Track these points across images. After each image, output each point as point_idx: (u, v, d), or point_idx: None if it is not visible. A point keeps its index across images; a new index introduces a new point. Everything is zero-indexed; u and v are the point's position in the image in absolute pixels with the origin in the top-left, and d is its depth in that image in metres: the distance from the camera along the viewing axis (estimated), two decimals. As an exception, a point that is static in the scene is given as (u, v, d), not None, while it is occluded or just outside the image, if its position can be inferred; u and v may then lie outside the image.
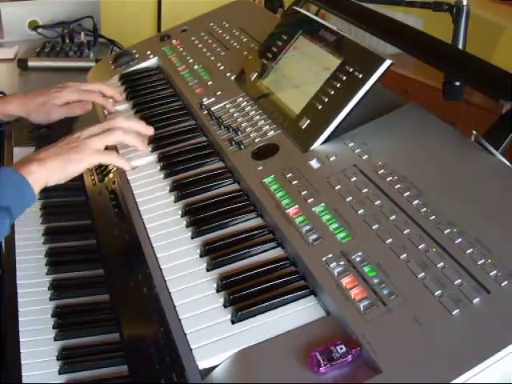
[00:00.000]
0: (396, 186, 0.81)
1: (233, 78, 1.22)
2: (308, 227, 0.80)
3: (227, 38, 1.39)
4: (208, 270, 0.82)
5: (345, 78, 0.95)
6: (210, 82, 1.24)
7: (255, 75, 1.15)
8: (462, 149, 0.86)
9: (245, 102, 1.12)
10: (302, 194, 0.86)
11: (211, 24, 1.48)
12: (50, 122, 1.28)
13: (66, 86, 1.28)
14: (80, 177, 1.21)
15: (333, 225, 0.79)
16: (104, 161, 1.00)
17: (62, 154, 0.95)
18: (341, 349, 0.64)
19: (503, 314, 0.63)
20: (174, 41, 1.48)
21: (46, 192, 1.19)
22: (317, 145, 0.94)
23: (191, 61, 1.35)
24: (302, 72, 1.06)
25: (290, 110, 1.02)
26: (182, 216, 0.93)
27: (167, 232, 0.90)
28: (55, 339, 0.90)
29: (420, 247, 0.72)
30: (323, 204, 0.83)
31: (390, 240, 0.74)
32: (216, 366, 0.69)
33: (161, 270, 0.84)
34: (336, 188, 0.85)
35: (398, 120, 0.95)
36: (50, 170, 0.93)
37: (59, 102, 1.25)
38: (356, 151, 0.90)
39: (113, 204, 1.05)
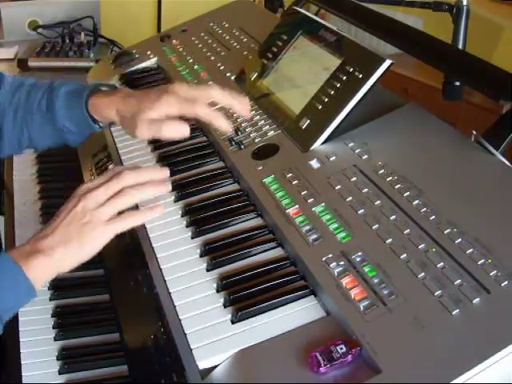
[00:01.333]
0: (396, 186, 0.81)
1: (233, 78, 1.22)
2: (308, 227, 0.80)
3: (227, 37, 1.39)
4: (208, 270, 0.82)
5: (345, 77, 0.95)
6: (210, 82, 1.24)
7: (255, 75, 1.15)
8: (462, 149, 0.86)
9: (245, 102, 1.12)
10: (302, 193, 0.86)
11: (211, 24, 1.48)
12: (136, 138, 0.99)
13: (167, 91, 0.93)
14: (80, 177, 1.21)
15: (333, 225, 0.79)
16: (124, 229, 0.83)
17: (72, 238, 0.79)
18: (341, 349, 0.64)
19: (503, 314, 0.63)
20: (174, 41, 1.48)
21: (46, 192, 1.20)
22: (317, 145, 0.94)
23: (191, 61, 1.35)
24: (302, 72, 1.06)
25: (290, 110, 1.02)
26: (182, 216, 0.93)
27: (167, 232, 0.90)
28: (55, 339, 0.90)
29: (420, 247, 0.72)
30: (323, 204, 0.83)
31: (390, 240, 0.74)
32: (216, 366, 0.69)
33: (161, 270, 0.84)
34: (336, 188, 0.85)
35: (398, 120, 0.95)
36: (60, 261, 0.79)
37: (154, 116, 0.91)
38: (356, 151, 0.90)
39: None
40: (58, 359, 0.87)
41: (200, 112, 0.92)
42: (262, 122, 1.05)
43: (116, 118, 0.98)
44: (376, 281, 0.70)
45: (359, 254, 0.74)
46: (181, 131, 0.92)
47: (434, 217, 0.75)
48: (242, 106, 0.97)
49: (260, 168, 0.94)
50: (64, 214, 0.82)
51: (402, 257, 0.72)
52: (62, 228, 0.80)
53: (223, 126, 0.94)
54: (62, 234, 0.79)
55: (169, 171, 0.88)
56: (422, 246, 0.72)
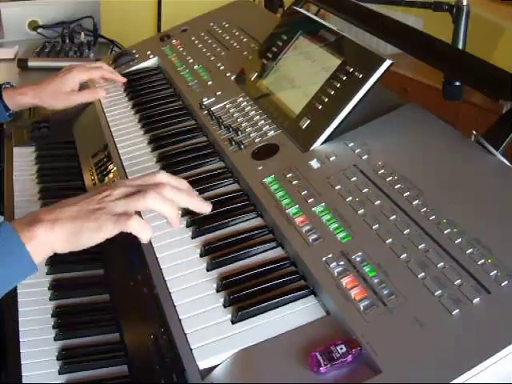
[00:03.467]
0: (396, 186, 0.81)
1: (233, 78, 1.22)
2: (308, 227, 0.80)
3: (227, 37, 1.39)
4: (208, 270, 0.82)
5: (345, 77, 0.95)
6: (209, 82, 1.24)
7: (255, 75, 1.15)
8: (462, 149, 0.86)
9: (245, 102, 1.12)
10: (302, 194, 0.86)
11: (211, 24, 1.48)
12: (68, 107, 1.31)
13: (72, 67, 1.30)
14: (80, 177, 1.21)
15: (333, 225, 0.79)
16: (121, 229, 0.77)
17: (77, 219, 0.76)
18: (341, 349, 0.64)
19: (503, 314, 0.63)
20: (173, 41, 1.48)
21: (46, 192, 1.20)
22: (317, 145, 0.94)
23: (191, 61, 1.35)
24: (302, 72, 1.06)
25: (290, 110, 1.02)
26: (182, 216, 0.93)
27: (167, 232, 0.90)
28: (55, 339, 0.90)
29: (420, 247, 0.72)
30: (323, 204, 0.83)
31: (389, 240, 0.74)
32: (216, 366, 0.69)
33: (161, 269, 0.83)
34: (336, 188, 0.85)
35: (398, 120, 0.95)
36: (58, 236, 0.75)
37: (72, 85, 1.28)
38: (356, 151, 0.90)
39: (113, 204, 1.04)
40: (58, 359, 0.87)
41: (106, 75, 1.36)
42: (262, 121, 1.05)
43: (34, 101, 1.29)
44: (376, 281, 0.70)
45: (359, 254, 0.74)
46: (100, 95, 1.33)
47: (433, 217, 0.75)
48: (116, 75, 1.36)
49: (260, 168, 0.94)
50: (88, 194, 0.80)
51: (401, 257, 0.72)
52: (75, 206, 0.77)
53: (122, 80, 1.36)
54: (70, 212, 0.76)
55: (211, 208, 0.85)
56: (422, 246, 0.72)
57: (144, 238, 0.78)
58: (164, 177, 0.83)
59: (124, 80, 1.36)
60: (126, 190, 0.79)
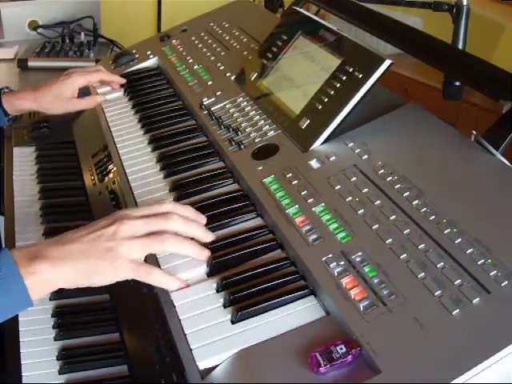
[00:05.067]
0: (396, 186, 0.81)
1: (233, 78, 1.22)
2: (308, 227, 0.80)
3: (227, 37, 1.39)
4: (208, 270, 0.82)
5: (345, 77, 0.95)
6: (209, 82, 1.24)
7: (255, 75, 1.15)
8: (462, 149, 0.86)
9: (245, 102, 1.12)
10: (302, 194, 0.86)
11: (211, 24, 1.48)
12: (67, 112, 1.31)
13: (71, 72, 1.31)
14: (80, 177, 1.21)
15: (333, 225, 0.79)
16: (141, 279, 0.75)
17: (88, 258, 0.71)
18: (341, 349, 0.64)
19: (503, 313, 0.63)
20: (174, 41, 1.48)
21: (46, 192, 1.20)
22: (317, 145, 0.94)
23: (191, 61, 1.35)
24: (302, 72, 1.06)
25: (289, 110, 1.02)
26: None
27: (167, 232, 0.90)
28: (55, 339, 0.90)
29: (420, 247, 0.72)
30: (323, 204, 0.83)
31: (389, 240, 0.74)
32: (216, 366, 0.69)
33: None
34: (336, 188, 0.85)
35: (398, 120, 0.95)
36: (66, 274, 0.71)
37: (72, 91, 1.28)
38: (356, 151, 0.90)
39: (113, 204, 1.04)
40: (58, 359, 0.87)
41: (103, 77, 1.34)
42: (262, 121, 1.05)
43: (33, 107, 1.30)
44: (376, 281, 0.70)
45: (359, 254, 0.74)
46: (97, 101, 1.32)
47: (433, 217, 0.75)
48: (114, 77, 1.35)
49: (260, 168, 0.94)
50: (92, 229, 0.75)
51: (401, 257, 0.72)
52: (83, 243, 0.73)
53: (120, 81, 1.36)
54: (78, 249, 0.72)
55: (212, 237, 0.82)
56: (422, 246, 0.72)
57: (172, 288, 0.78)
58: (170, 206, 0.80)
59: (123, 81, 1.36)
60: (135, 225, 0.75)
